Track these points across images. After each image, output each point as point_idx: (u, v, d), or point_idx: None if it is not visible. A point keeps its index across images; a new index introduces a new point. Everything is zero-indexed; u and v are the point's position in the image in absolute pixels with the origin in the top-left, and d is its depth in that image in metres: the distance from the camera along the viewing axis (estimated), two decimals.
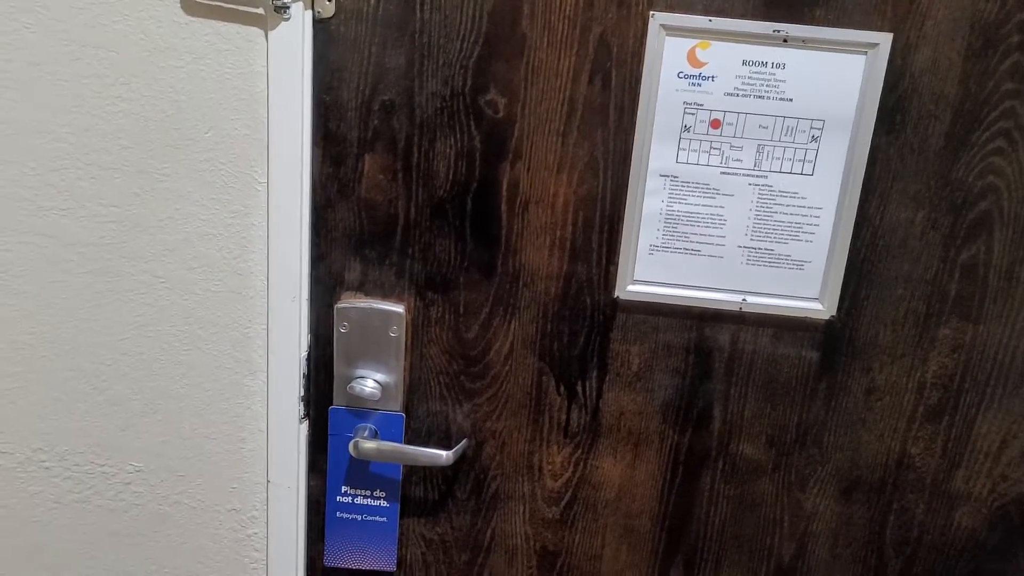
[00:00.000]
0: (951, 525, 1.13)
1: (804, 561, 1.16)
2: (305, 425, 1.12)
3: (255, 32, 0.97)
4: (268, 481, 1.14)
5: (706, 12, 0.95)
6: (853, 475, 1.12)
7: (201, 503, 1.17)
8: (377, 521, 1.16)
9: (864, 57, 0.95)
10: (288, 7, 0.95)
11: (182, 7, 0.96)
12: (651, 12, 0.95)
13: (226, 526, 1.18)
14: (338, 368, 1.09)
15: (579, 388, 1.10)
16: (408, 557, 1.19)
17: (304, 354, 1.09)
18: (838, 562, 1.15)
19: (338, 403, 1.11)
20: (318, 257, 1.06)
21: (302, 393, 1.10)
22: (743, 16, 0.95)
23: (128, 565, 1.19)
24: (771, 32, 0.95)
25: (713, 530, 1.15)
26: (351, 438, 1.09)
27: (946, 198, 1.00)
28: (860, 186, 1.00)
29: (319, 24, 0.97)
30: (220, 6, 0.96)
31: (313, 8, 0.96)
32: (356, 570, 1.19)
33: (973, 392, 1.07)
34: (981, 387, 1.07)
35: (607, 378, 1.09)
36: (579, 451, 1.13)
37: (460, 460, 1.13)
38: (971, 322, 1.05)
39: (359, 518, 1.15)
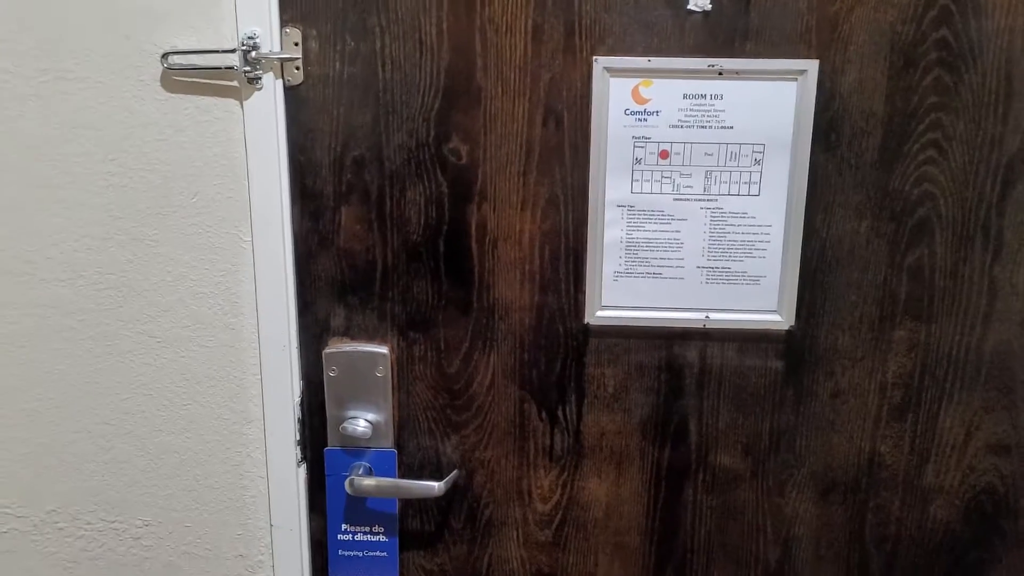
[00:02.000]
0: (927, 519, 1.18)
1: (790, 564, 1.20)
2: (303, 468, 1.18)
3: (231, 103, 1.04)
4: (271, 525, 1.19)
5: (645, 53, 1.03)
6: (828, 477, 1.17)
7: (209, 552, 1.22)
8: (378, 556, 1.20)
9: (795, 83, 1.03)
10: (260, 78, 1.03)
11: (162, 85, 1.04)
12: (595, 57, 1.03)
13: (234, 572, 1.22)
14: (330, 410, 1.15)
15: (560, 413, 1.16)
16: None
17: (297, 400, 1.15)
18: (822, 563, 1.20)
19: (332, 444, 1.16)
20: (304, 306, 1.13)
21: (298, 437, 1.16)
22: (680, 54, 1.03)
23: None
24: (707, 67, 1.02)
25: (700, 541, 1.20)
26: (347, 476, 1.14)
27: (886, 207, 1.07)
28: (804, 202, 1.06)
29: (290, 91, 1.05)
30: (197, 82, 1.04)
31: (283, 77, 1.04)
32: None
33: (933, 388, 1.13)
34: (940, 383, 1.13)
35: (585, 401, 1.15)
36: (565, 473, 1.18)
37: (453, 490, 1.19)
38: (923, 322, 1.11)
39: (361, 555, 1.20)
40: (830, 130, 1.05)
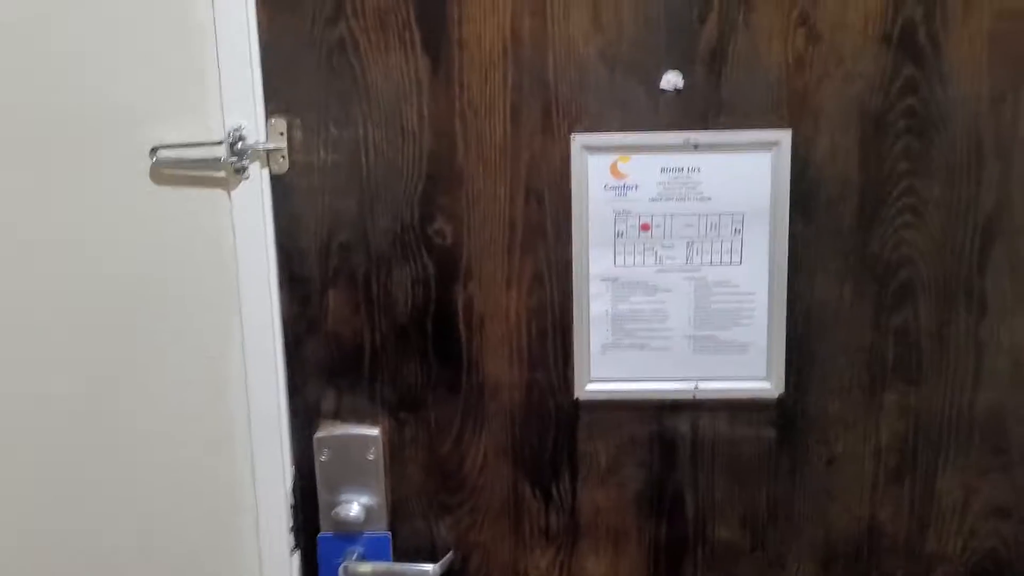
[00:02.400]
0: None
1: None
2: (297, 556, 1.16)
3: (219, 193, 1.07)
4: None
5: (622, 129, 1.05)
6: (829, 547, 1.15)
7: None
8: None
9: (769, 154, 1.05)
10: (247, 168, 1.05)
11: (151, 178, 1.06)
12: (572, 135, 1.05)
13: None
14: (322, 496, 1.14)
15: (554, 490, 1.15)
16: None
17: (290, 486, 1.14)
18: None
19: (325, 529, 1.15)
20: (294, 390, 1.13)
21: (291, 524, 1.15)
22: (655, 129, 1.05)
23: None
24: (682, 141, 1.05)
25: None
26: (341, 563, 1.13)
27: (868, 270, 1.08)
28: (786, 269, 1.08)
29: (276, 179, 1.07)
30: (185, 174, 1.06)
31: (269, 166, 1.07)
32: None
33: (928, 451, 1.12)
34: (935, 446, 1.12)
35: (579, 477, 1.14)
36: (562, 553, 1.16)
37: (449, 574, 1.17)
38: (913, 384, 1.11)
39: None
40: (807, 198, 1.07)
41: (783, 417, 1.12)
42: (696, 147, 1.05)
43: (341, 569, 1.12)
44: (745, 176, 1.06)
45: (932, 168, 1.05)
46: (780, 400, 1.11)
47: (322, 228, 1.09)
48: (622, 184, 1.06)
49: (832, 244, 1.07)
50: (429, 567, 1.11)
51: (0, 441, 1.13)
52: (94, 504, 1.15)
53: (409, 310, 1.11)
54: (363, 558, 1.14)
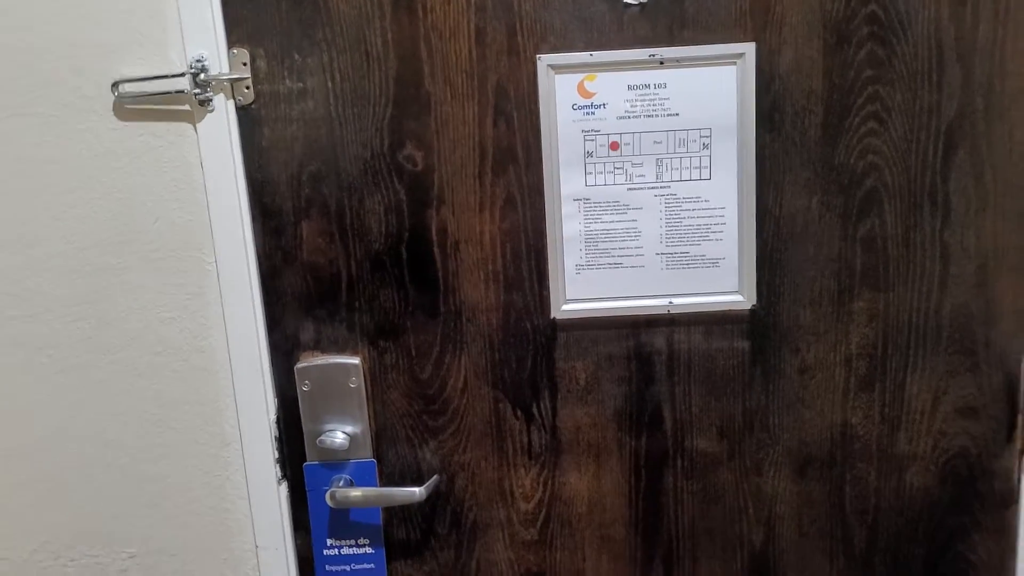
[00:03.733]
0: (904, 487, 1.19)
1: (775, 544, 1.21)
2: (284, 486, 1.18)
3: (185, 126, 1.06)
4: (256, 546, 1.19)
5: (587, 48, 1.05)
6: (803, 453, 1.18)
7: None
8: (365, 569, 1.21)
9: (735, 67, 1.05)
10: (211, 100, 1.05)
11: (115, 114, 1.05)
12: (538, 55, 1.05)
13: None
14: (306, 426, 1.16)
15: (535, 410, 1.17)
16: None
17: (273, 418, 1.16)
18: (807, 540, 1.21)
19: (311, 459, 1.17)
20: (273, 323, 1.14)
21: (276, 455, 1.16)
22: (621, 46, 1.05)
23: None
24: (647, 57, 1.05)
25: (684, 527, 1.21)
26: (328, 490, 1.15)
27: (834, 181, 1.09)
28: (754, 182, 1.09)
29: (242, 111, 1.07)
30: (149, 108, 1.05)
31: (234, 97, 1.06)
32: None
33: (897, 357, 1.15)
34: (903, 351, 1.15)
35: (559, 396, 1.16)
36: (545, 470, 1.19)
37: (435, 496, 1.19)
38: (881, 291, 1.13)
39: (348, 568, 1.20)
40: (773, 110, 1.07)
41: (756, 329, 1.14)
42: (662, 63, 1.05)
43: (328, 495, 1.14)
44: (711, 91, 1.06)
45: (895, 75, 1.06)
46: (753, 312, 1.13)
47: (292, 158, 1.09)
48: (590, 103, 1.07)
49: (799, 155, 1.09)
50: (416, 489, 1.13)
51: None
52: (80, 443, 1.16)
53: (383, 238, 1.11)
54: (350, 485, 1.16)
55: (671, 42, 1.05)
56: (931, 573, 1.22)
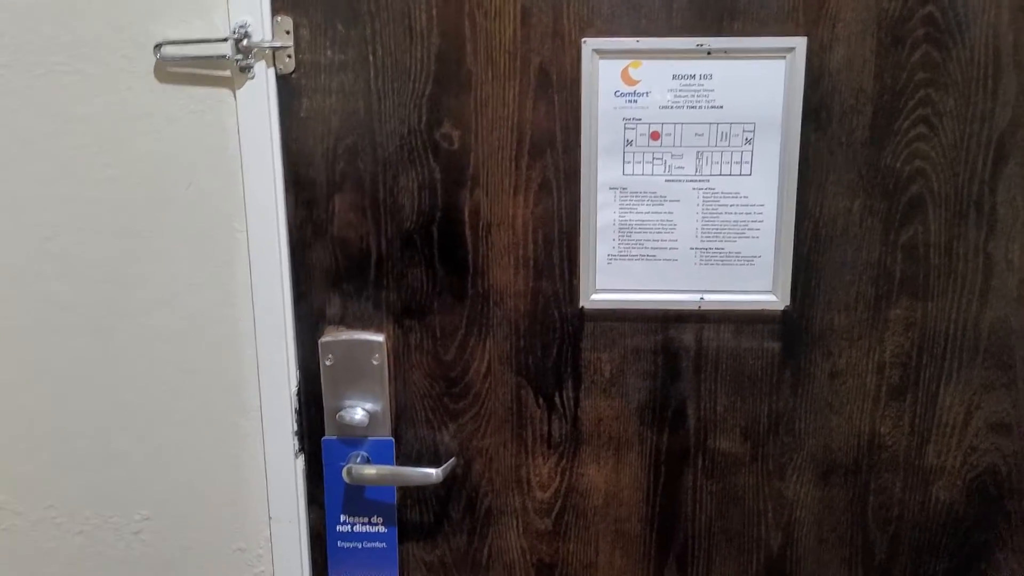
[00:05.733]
0: (929, 500, 1.17)
1: (792, 549, 1.19)
2: (300, 459, 1.18)
3: (224, 92, 1.05)
4: (270, 518, 1.19)
5: (634, 34, 1.03)
6: (828, 459, 1.16)
7: (208, 546, 1.21)
8: (377, 548, 1.20)
9: (783, 61, 1.03)
10: (252, 67, 1.04)
11: (155, 76, 1.05)
12: (583, 39, 1.03)
13: (234, 567, 1.22)
14: (327, 400, 1.15)
15: (557, 399, 1.15)
16: None
17: (294, 390, 1.15)
18: (825, 547, 1.19)
19: (330, 434, 1.16)
20: (299, 296, 1.13)
21: (295, 428, 1.16)
22: (668, 34, 1.03)
23: None
24: (695, 47, 1.03)
25: (701, 527, 1.19)
26: (345, 466, 1.14)
27: (879, 184, 1.07)
28: (796, 181, 1.06)
29: (282, 79, 1.06)
30: (190, 72, 1.05)
31: (275, 65, 1.05)
32: None
33: (931, 367, 1.12)
34: (938, 362, 1.12)
35: (582, 386, 1.15)
36: (564, 460, 1.18)
37: (452, 480, 1.18)
38: (920, 300, 1.10)
39: (360, 546, 1.20)
40: (820, 108, 1.05)
41: (788, 330, 1.12)
42: (709, 53, 1.03)
43: (344, 471, 1.13)
44: (758, 84, 1.04)
45: (948, 80, 1.03)
46: (785, 313, 1.11)
47: (328, 131, 1.08)
48: (633, 91, 1.05)
49: (844, 156, 1.06)
50: (433, 471, 1.12)
51: (10, 344, 1.14)
52: (100, 404, 1.16)
53: (415, 216, 1.10)
54: (367, 462, 1.16)
55: (720, 32, 1.03)
56: None
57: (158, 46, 1.03)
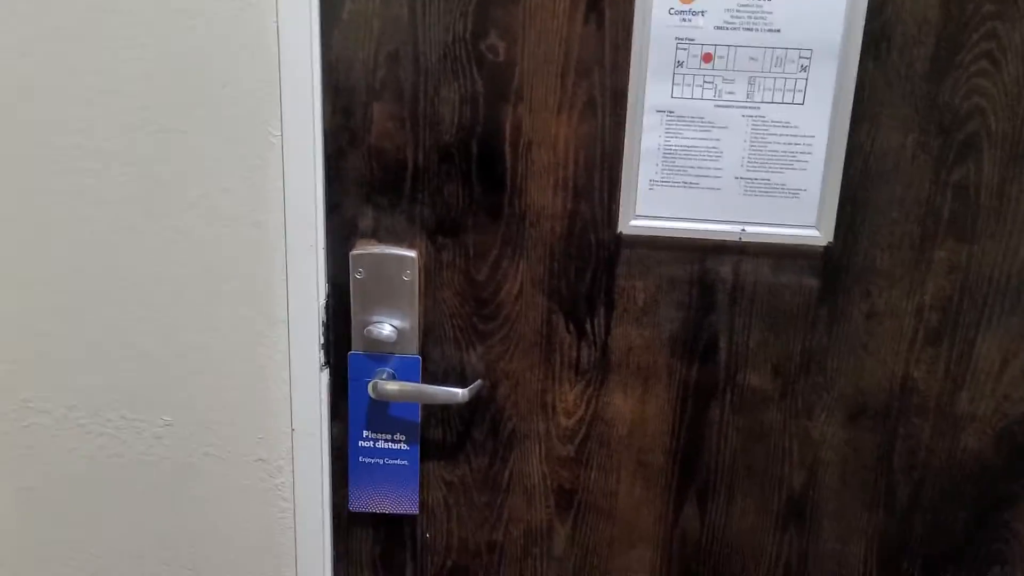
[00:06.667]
0: (957, 447, 1.16)
1: (815, 489, 1.19)
2: (326, 372, 1.17)
3: None
4: (292, 429, 1.19)
5: None
6: (858, 401, 1.15)
7: (229, 454, 1.21)
8: (399, 465, 1.20)
9: None
10: None
11: None
12: None
13: (254, 476, 1.22)
14: (355, 314, 1.14)
15: (588, 325, 1.14)
16: (430, 500, 1.23)
17: (323, 302, 1.14)
18: (848, 489, 1.18)
19: (356, 349, 1.15)
20: (332, 206, 1.11)
21: (322, 341, 1.15)
22: None
23: (160, 517, 1.24)
24: None
25: (724, 462, 1.19)
26: (370, 381, 1.13)
27: (934, 121, 1.03)
28: (850, 113, 1.03)
29: None
30: None
31: None
32: (380, 515, 1.23)
33: (972, 312, 1.10)
34: (979, 307, 1.10)
35: (614, 314, 1.13)
36: (590, 388, 1.16)
37: (476, 401, 1.17)
38: (966, 243, 1.08)
39: (381, 462, 1.20)
40: (880, 38, 1.01)
41: (828, 267, 1.10)
42: None
43: (370, 386, 1.12)
44: (818, 9, 1.00)
45: (1018, 13, 0.99)
46: (827, 249, 1.09)
47: (370, 36, 1.04)
48: (688, 8, 1.01)
49: (901, 89, 1.03)
50: (459, 391, 1.11)
51: (41, 239, 1.12)
52: (127, 304, 1.15)
53: (455, 129, 1.07)
54: (393, 378, 1.15)
55: None
56: (970, 538, 1.19)
57: None
